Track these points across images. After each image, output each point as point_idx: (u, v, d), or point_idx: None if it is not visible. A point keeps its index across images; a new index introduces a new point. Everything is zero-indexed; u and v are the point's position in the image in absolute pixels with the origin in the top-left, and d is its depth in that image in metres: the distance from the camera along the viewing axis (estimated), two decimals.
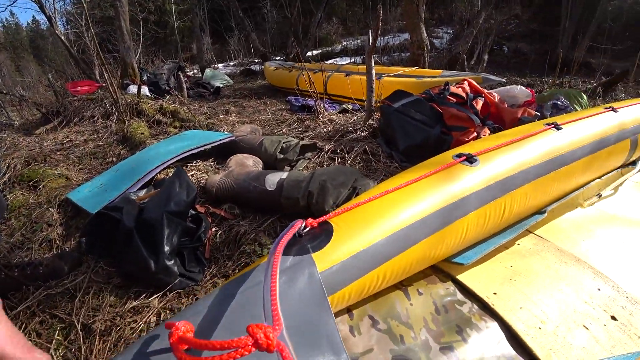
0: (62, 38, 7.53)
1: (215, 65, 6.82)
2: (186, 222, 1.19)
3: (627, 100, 1.57)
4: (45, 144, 2.64)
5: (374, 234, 0.76)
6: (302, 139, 2.15)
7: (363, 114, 2.88)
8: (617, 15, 7.24)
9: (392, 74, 3.65)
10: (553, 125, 1.21)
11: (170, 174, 1.70)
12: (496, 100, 2.43)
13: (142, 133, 2.32)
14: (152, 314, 1.04)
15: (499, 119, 2.42)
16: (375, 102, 2.54)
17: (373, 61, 2.49)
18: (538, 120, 1.84)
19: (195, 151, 1.74)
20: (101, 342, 1.00)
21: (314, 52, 7.93)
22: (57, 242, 1.52)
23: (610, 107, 1.36)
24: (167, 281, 1.07)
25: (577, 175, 1.22)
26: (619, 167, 1.46)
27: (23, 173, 2.10)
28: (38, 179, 2.04)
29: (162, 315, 1.04)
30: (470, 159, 1.00)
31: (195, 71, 6.28)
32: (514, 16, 8.41)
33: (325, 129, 2.52)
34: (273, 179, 1.39)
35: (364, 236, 0.75)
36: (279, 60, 5.33)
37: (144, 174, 1.52)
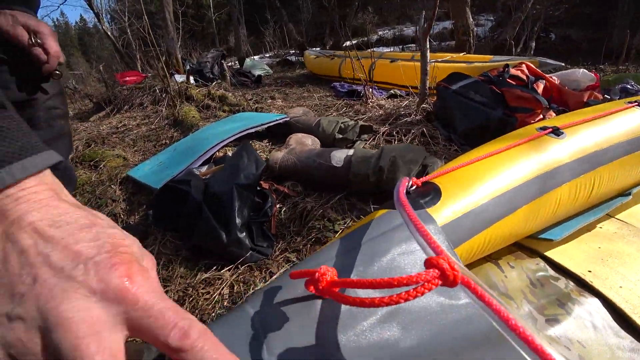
0: (109, 33, 7.85)
1: (252, 57, 6.86)
2: (254, 196, 1.15)
3: None
4: (102, 128, 2.73)
5: (480, 194, 0.72)
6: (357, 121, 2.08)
7: (414, 98, 2.77)
8: None
9: (440, 60, 3.51)
10: (637, 104, 1.09)
11: (228, 152, 1.69)
12: (557, 84, 2.29)
13: (193, 116, 2.33)
14: (225, 285, 1.01)
15: (563, 103, 2.26)
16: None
17: (428, 43, 2.37)
18: None
19: (252, 131, 1.71)
20: None
21: (349, 43, 7.79)
22: (122, 216, 1.54)
23: (636, 102, 1.19)
24: (239, 254, 1.04)
25: None
26: None
27: (85, 154, 2.17)
28: (98, 159, 2.10)
29: (235, 288, 1.00)
30: (556, 132, 0.93)
31: (233, 63, 6.36)
32: (562, 0, 7.86)
33: (376, 113, 2.44)
34: (339, 156, 1.33)
35: (471, 196, 0.71)
36: (316, 50, 5.27)
37: (204, 151, 1.50)
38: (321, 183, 1.36)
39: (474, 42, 5.03)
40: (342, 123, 1.78)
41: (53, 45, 0.89)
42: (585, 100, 2.26)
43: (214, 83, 3.34)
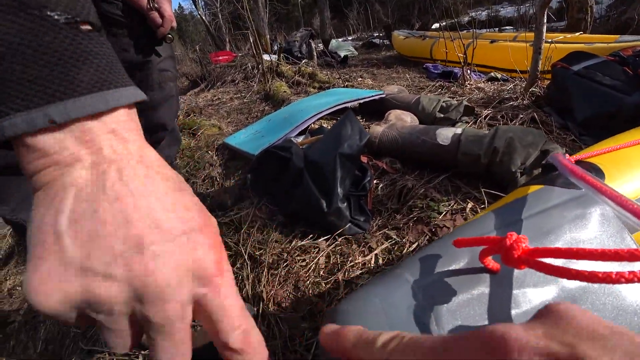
0: (203, 17, 8.41)
1: (337, 39, 6.81)
2: (356, 167, 1.10)
3: None
4: (198, 101, 2.93)
5: None
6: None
7: (517, 82, 2.48)
8: None
9: (549, 40, 3.08)
10: None
11: (324, 124, 1.67)
12: None
13: (284, 91, 2.36)
14: (321, 255, 0.98)
15: None
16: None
17: (545, 18, 2.07)
18: None
19: (348, 105, 1.66)
20: (269, 274, 0.99)
21: (438, 25, 7.32)
22: (218, 179, 1.62)
23: None
24: (338, 224, 1.00)
25: None
26: None
27: (184, 122, 2.34)
28: (196, 127, 2.24)
29: (331, 258, 0.97)
30: None
31: (316, 46, 6.38)
32: None
33: (476, 96, 2.22)
34: (446, 134, 1.21)
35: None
36: (405, 31, 5.01)
37: (301, 122, 1.49)
38: (423, 161, 1.26)
39: (591, 22, 4.34)
40: (443, 102, 1.64)
41: (168, 10, 0.92)
42: None
43: (302, 62, 3.37)
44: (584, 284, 0.35)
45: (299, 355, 0.76)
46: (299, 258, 1.00)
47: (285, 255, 1.03)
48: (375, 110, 1.84)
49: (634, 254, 0.24)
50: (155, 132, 1.07)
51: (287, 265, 0.99)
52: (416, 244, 0.95)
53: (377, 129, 1.35)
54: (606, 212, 0.46)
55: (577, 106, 1.75)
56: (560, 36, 3.22)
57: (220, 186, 1.57)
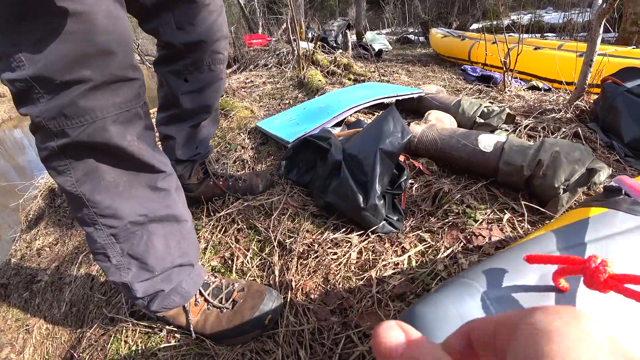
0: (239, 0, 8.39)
1: (372, 32, 6.70)
2: (394, 165, 1.08)
3: None
4: (231, 82, 2.94)
5: None
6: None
7: (560, 93, 2.39)
8: None
9: (601, 53, 2.94)
10: None
11: (360, 118, 1.65)
12: None
13: (319, 80, 2.34)
14: (354, 250, 0.98)
15: None
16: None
17: (602, 28, 1.97)
18: None
19: (386, 100, 1.64)
20: (299, 263, 1.00)
21: (478, 25, 7.10)
22: (249, 162, 1.63)
23: None
24: (373, 221, 1.00)
25: None
26: None
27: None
28: (229, 109, 2.25)
29: (363, 255, 0.97)
30: None
31: (351, 37, 6.29)
32: None
33: (516, 104, 2.15)
34: (489, 141, 1.18)
35: None
36: (443, 29, 4.88)
37: (339, 113, 1.48)
38: (461, 166, 1.24)
39: None
40: (485, 107, 1.60)
41: None
42: None
43: (338, 52, 3.33)
44: None
45: (327, 348, 0.77)
46: (330, 251, 1.00)
47: (316, 246, 1.03)
48: (412, 108, 1.81)
49: None
50: (200, 114, 1.08)
51: (317, 257, 1.00)
52: (450, 249, 0.93)
53: (417, 128, 1.33)
54: None
55: (626, 125, 1.69)
56: (611, 49, 3.07)
57: (252, 169, 1.59)
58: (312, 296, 0.90)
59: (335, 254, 0.99)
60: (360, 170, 1.05)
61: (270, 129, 1.67)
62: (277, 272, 0.99)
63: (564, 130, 1.73)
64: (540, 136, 1.70)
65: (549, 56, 2.91)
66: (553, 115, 1.93)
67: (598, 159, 1.24)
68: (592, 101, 2.01)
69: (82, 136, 0.59)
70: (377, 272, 0.91)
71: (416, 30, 6.64)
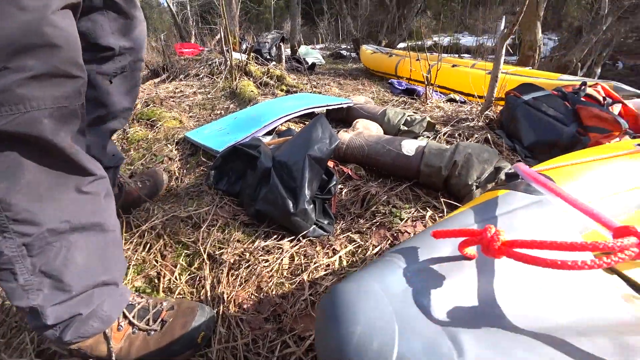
0: (171, 6, 8.09)
1: (306, 46, 6.87)
2: (324, 171, 1.11)
3: None
4: (159, 91, 2.79)
5: (591, 195, 0.70)
6: None
7: (474, 105, 2.66)
8: None
9: (504, 71, 3.35)
10: None
11: (291, 127, 1.66)
12: (634, 110, 2.16)
13: (251, 91, 2.33)
14: (285, 255, 0.97)
15: (637, 131, 2.12)
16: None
17: (504, 49, 2.25)
18: None
19: (317, 110, 1.67)
20: (230, 274, 0.96)
21: (404, 45, 7.66)
22: (177, 174, 1.55)
23: None
24: (303, 225, 1.00)
25: None
26: None
27: (143, 112, 2.22)
28: (156, 119, 2.13)
29: (296, 259, 0.97)
30: None
31: (285, 50, 6.38)
32: (635, 28, 7.36)
33: (437, 114, 2.35)
34: (411, 145, 1.27)
35: (584, 194, 0.69)
36: (373, 46, 5.19)
37: (270, 122, 1.48)
38: (387, 170, 1.31)
39: (538, 59, 4.80)
40: (408, 116, 1.71)
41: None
42: None
43: (271, 64, 3.35)
44: (543, 270, 0.39)
45: (262, 357, 0.74)
46: (262, 258, 0.98)
47: (248, 255, 1.00)
48: (342, 118, 1.88)
49: (595, 246, 0.29)
50: (119, 117, 1.02)
51: (249, 266, 0.97)
52: (379, 247, 0.97)
53: (345, 135, 1.38)
54: (560, 214, 0.53)
55: (524, 132, 1.92)
56: (513, 69, 3.51)
57: (179, 182, 1.51)
58: (245, 306, 0.87)
59: (267, 261, 0.97)
60: (289, 177, 1.05)
61: (199, 139, 1.61)
62: (208, 287, 0.94)
63: (476, 136, 1.92)
64: (456, 141, 1.87)
65: (464, 73, 3.23)
66: (467, 123, 2.14)
67: (503, 159, 1.40)
68: (498, 111, 2.27)
69: (10, 125, 0.51)
70: (309, 275, 0.91)
71: (348, 47, 6.96)
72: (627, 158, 0.83)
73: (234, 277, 0.95)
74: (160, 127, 2.05)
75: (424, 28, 8.71)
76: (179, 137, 1.88)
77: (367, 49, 4.53)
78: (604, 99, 2.27)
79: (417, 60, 3.41)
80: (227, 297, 0.89)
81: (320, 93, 2.58)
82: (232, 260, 1.00)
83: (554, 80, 2.97)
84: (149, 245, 1.12)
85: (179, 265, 1.03)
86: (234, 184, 1.23)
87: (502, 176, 1.28)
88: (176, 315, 0.78)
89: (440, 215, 1.14)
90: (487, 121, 2.21)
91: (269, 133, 1.52)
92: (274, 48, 3.97)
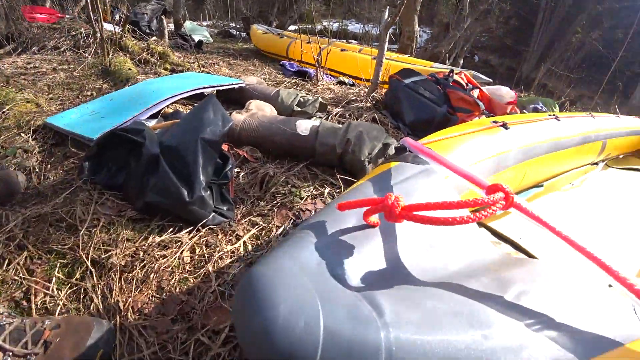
0: None
1: (192, 22, 6.29)
2: (218, 155, 1.06)
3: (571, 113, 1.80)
4: (4, 66, 2.26)
5: (464, 163, 0.82)
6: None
7: (362, 87, 2.85)
8: (579, 47, 7.92)
9: (389, 58, 3.66)
10: (554, 117, 1.40)
11: (179, 109, 1.53)
12: (488, 94, 2.65)
13: (129, 69, 2.06)
14: (185, 248, 0.91)
15: (491, 111, 2.59)
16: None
17: (388, 37, 2.45)
18: None
19: (206, 91, 1.57)
20: (123, 279, 0.86)
21: (294, 27, 7.70)
22: (37, 170, 1.30)
23: (554, 116, 1.48)
24: (201, 214, 0.95)
25: (566, 161, 1.39)
26: (588, 164, 1.66)
27: None
28: (1, 102, 1.73)
29: (197, 251, 0.91)
30: (505, 125, 1.12)
31: (168, 25, 5.75)
32: (488, 29, 8.86)
33: (328, 95, 2.44)
34: (305, 125, 1.30)
35: (458, 162, 0.80)
36: (264, 26, 5.06)
37: (154, 103, 1.33)
38: (283, 150, 1.32)
39: (415, 48, 5.37)
40: (301, 97, 1.74)
41: None
42: (508, 112, 2.64)
43: (152, 39, 2.99)
44: (434, 228, 0.46)
45: None
46: (158, 255, 0.90)
47: (142, 254, 0.91)
48: (233, 99, 1.81)
49: (475, 202, 0.35)
50: None
51: (145, 266, 0.88)
52: (282, 227, 0.98)
53: (238, 116, 1.33)
54: (443, 179, 0.62)
55: (406, 111, 2.15)
56: (394, 55, 3.86)
57: (41, 179, 1.26)
58: (146, 311, 0.79)
59: (165, 257, 0.90)
60: (181, 163, 0.97)
61: (65, 125, 1.37)
62: (97, 298, 0.82)
63: (365, 116, 2.07)
64: (347, 121, 1.98)
65: (352, 57, 3.42)
66: (357, 104, 2.28)
67: (390, 136, 1.55)
68: (383, 93, 2.48)
69: None
70: (214, 266, 0.87)
71: (238, 25, 6.66)
72: (487, 132, 1.01)
73: (128, 281, 0.85)
74: (9, 112, 1.67)
75: (314, 12, 8.87)
76: (37, 124, 1.56)
77: (258, 28, 4.41)
78: (467, 84, 2.70)
79: (308, 43, 3.47)
80: (124, 305, 0.80)
81: (209, 73, 2.43)
82: (123, 263, 0.89)
83: (429, 67, 3.38)
84: (6, 260, 0.92)
85: (54, 279, 0.87)
86: (116, 176, 1.09)
87: (391, 151, 1.41)
88: (64, 334, 0.67)
89: (338, 191, 1.21)
90: (374, 102, 2.40)
91: (153, 116, 1.37)
92: (155, 21, 3.55)
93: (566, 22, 7.97)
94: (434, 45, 7.25)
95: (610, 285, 0.47)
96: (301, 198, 1.12)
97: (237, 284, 0.43)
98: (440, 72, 2.72)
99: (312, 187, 1.19)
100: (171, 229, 0.97)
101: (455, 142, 0.89)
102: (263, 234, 0.98)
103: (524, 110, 3.15)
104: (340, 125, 1.33)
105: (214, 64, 3.02)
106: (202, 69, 2.54)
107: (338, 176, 1.23)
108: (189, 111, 1.23)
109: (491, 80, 3.47)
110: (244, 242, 0.94)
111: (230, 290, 0.80)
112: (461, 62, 6.82)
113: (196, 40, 3.85)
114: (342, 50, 3.59)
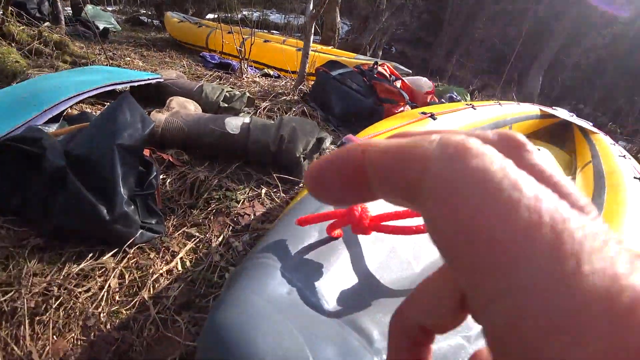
0: None
1: (94, 6, 5.53)
2: (139, 162, 0.94)
3: (484, 102, 2.02)
4: None
5: None
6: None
7: (288, 79, 2.80)
8: (482, 42, 8.89)
9: (313, 50, 3.64)
10: (471, 106, 1.52)
11: (87, 110, 1.33)
12: (409, 85, 2.83)
13: (16, 61, 1.73)
14: (111, 276, 0.79)
15: (413, 101, 2.76)
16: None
17: (313, 28, 2.44)
18: None
19: (119, 87, 1.39)
20: (34, 323, 0.72)
21: (212, 16, 7.31)
22: None
23: (471, 105, 1.64)
24: (126, 232, 0.83)
25: None
26: None
27: None
28: None
29: (127, 276, 0.80)
30: (433, 116, 1.19)
31: (65, 9, 4.98)
32: (403, 23, 9.40)
33: (254, 89, 2.36)
34: (235, 122, 1.22)
35: None
36: (179, 14, 4.67)
37: (54, 104, 1.13)
38: (213, 151, 1.23)
39: (337, 40, 5.46)
40: (227, 92, 1.65)
41: None
42: (428, 100, 2.84)
43: (44, 24, 2.55)
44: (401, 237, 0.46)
45: None
46: (79, 289, 0.77)
47: (56, 289, 0.77)
48: (151, 96, 1.64)
49: None
50: None
51: (62, 303, 0.74)
52: (221, 236, 0.92)
53: (159, 116, 1.21)
54: None
55: (335, 103, 2.17)
56: (319, 47, 3.86)
57: None
58: (73, 359, 0.67)
59: (87, 290, 0.77)
60: (95, 175, 0.84)
61: None
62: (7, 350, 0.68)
63: (294, 109, 2.04)
64: (277, 116, 1.94)
65: (277, 49, 3.34)
66: (284, 97, 2.24)
67: (322, 130, 1.54)
68: (310, 86, 2.47)
69: None
70: (149, 291, 0.78)
71: (149, 12, 6.09)
72: (419, 125, 1.05)
73: (42, 325, 0.72)
74: None
75: (233, 1, 8.46)
76: None
77: (172, 16, 4.06)
78: (390, 76, 2.82)
79: (229, 33, 3.30)
80: (42, 357, 0.67)
81: (119, 66, 2.17)
82: (32, 304, 0.74)
83: (352, 59, 3.44)
84: None
85: None
86: (10, 197, 0.91)
87: (324, 146, 1.41)
88: None
89: (275, 190, 1.17)
90: (302, 95, 2.38)
91: (53, 120, 1.17)
92: (46, 3, 3.04)
93: (470, 19, 8.83)
94: (355, 37, 7.47)
95: None
96: (237, 202, 1.05)
97: (201, 334, 0.37)
98: (364, 63, 2.80)
99: (247, 189, 1.13)
100: (91, 255, 0.83)
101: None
102: (201, 246, 0.90)
103: (442, 99, 3.41)
104: (272, 122, 1.28)
105: (124, 55, 2.71)
106: (110, 61, 2.25)
107: (274, 175, 1.19)
108: (100, 113, 1.08)
109: (411, 72, 3.68)
110: (181, 258, 0.86)
111: (173, 316, 0.72)
112: (380, 53, 7.15)
113: (101, 28, 3.40)
114: (265, 41, 3.48)
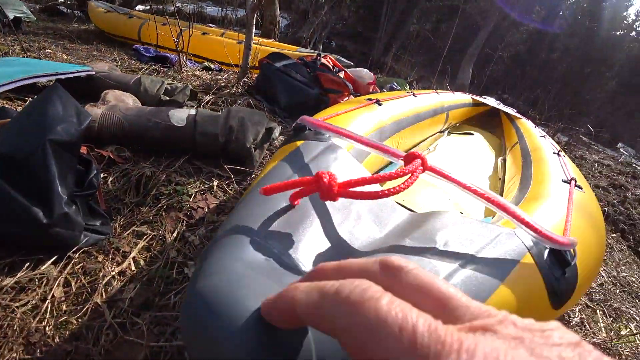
0: None
1: None
2: (77, 159, 0.87)
3: (423, 90, 2.14)
4: None
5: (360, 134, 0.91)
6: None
7: (231, 72, 2.73)
8: (416, 36, 9.39)
9: (256, 43, 3.57)
10: (412, 94, 1.63)
11: (6, 105, 1.18)
12: (352, 76, 2.92)
13: None
14: (55, 285, 0.72)
15: (356, 91, 2.86)
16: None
17: (254, 20, 2.40)
18: None
19: (43, 80, 1.26)
20: None
21: (142, 7, 6.85)
22: None
23: (412, 93, 1.76)
24: (69, 236, 0.76)
25: (424, 130, 1.65)
26: (437, 133, 1.99)
27: None
28: None
29: (73, 283, 0.74)
30: (378, 102, 1.25)
31: None
32: (341, 17, 9.57)
33: (195, 82, 2.26)
34: (180, 115, 1.17)
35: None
36: (105, 3, 4.28)
37: None
38: (158, 146, 1.17)
39: (278, 33, 5.41)
40: (168, 84, 1.56)
41: None
42: (370, 91, 2.95)
43: None
44: (368, 202, 0.47)
45: None
46: (16, 304, 0.69)
47: None
48: (80, 91, 1.50)
49: (403, 171, 0.38)
50: None
51: None
52: (176, 232, 0.88)
53: (95, 110, 1.12)
54: (347, 152, 0.64)
55: (280, 95, 2.17)
56: (260, 40, 3.80)
57: None
58: None
59: (26, 304, 0.70)
60: (26, 175, 0.76)
61: None
62: None
63: (239, 102, 2.00)
64: (222, 109, 1.89)
65: (216, 41, 3.23)
66: (228, 90, 2.19)
67: (271, 121, 1.54)
68: (254, 78, 2.44)
69: None
70: (101, 295, 0.72)
71: (69, 1, 5.52)
72: (366, 109, 1.09)
73: None
74: None
75: None
76: None
77: (97, 6, 3.73)
78: (333, 67, 2.88)
79: (163, 24, 3.11)
80: None
81: (39, 58, 1.95)
82: None
83: (295, 52, 3.44)
84: None
85: None
86: None
87: (274, 136, 1.41)
88: None
89: (227, 182, 1.15)
90: (246, 88, 2.33)
91: None
92: None
93: (405, 14, 9.26)
94: (294, 30, 7.46)
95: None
96: (189, 195, 1.02)
97: (181, 310, 0.35)
98: (307, 55, 2.82)
99: (198, 182, 1.10)
100: (27, 264, 0.75)
101: (342, 118, 0.94)
102: (154, 244, 0.86)
103: (384, 90, 3.55)
104: (219, 113, 1.24)
105: (43, 47, 2.43)
106: (26, 53, 2.01)
107: (225, 167, 1.16)
108: (24, 106, 0.97)
109: (352, 64, 3.78)
110: (134, 258, 0.81)
111: (132, 319, 0.68)
112: (321, 47, 7.23)
113: (11, 17, 3.02)
114: (203, 33, 3.35)
